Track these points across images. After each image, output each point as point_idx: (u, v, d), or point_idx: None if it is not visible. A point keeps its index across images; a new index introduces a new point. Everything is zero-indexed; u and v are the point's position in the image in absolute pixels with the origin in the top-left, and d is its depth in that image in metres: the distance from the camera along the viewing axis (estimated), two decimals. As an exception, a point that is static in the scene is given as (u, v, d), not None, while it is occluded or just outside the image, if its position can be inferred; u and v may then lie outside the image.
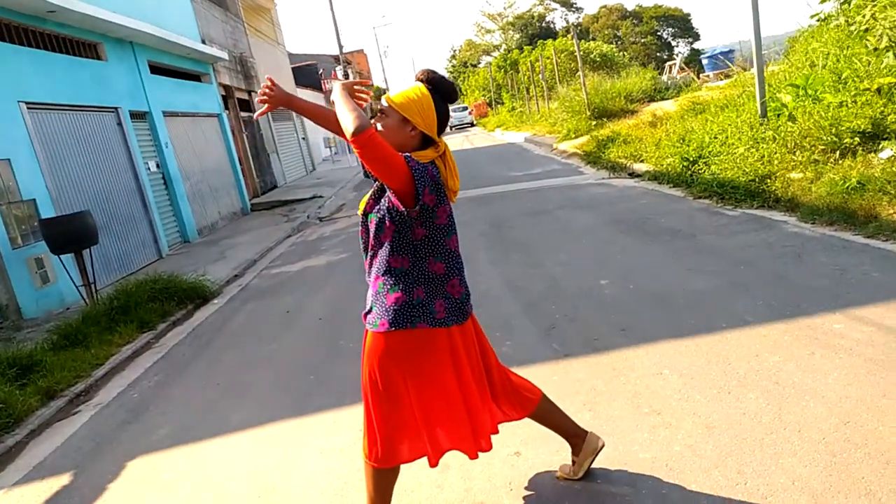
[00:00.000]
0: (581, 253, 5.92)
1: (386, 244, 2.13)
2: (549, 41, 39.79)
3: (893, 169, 5.31)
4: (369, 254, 2.21)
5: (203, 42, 14.26)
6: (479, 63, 63.82)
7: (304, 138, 26.20)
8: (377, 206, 2.14)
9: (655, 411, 2.88)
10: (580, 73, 17.54)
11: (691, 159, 8.15)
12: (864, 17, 9.45)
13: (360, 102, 2.21)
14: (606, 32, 58.00)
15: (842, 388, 2.78)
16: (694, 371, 3.19)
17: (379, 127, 2.11)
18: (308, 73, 31.19)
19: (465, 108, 42.25)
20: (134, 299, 6.50)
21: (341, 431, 3.32)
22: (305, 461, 3.09)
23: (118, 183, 9.71)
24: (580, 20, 61.72)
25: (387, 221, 2.11)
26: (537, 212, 8.32)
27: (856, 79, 7.57)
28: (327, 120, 2.45)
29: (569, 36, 42.84)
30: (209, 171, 13.57)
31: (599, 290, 4.74)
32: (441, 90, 2.14)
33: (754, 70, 8.24)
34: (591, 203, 8.29)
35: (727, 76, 19.65)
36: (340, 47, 34.72)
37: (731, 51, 26.84)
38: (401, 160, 1.99)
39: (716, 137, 8.38)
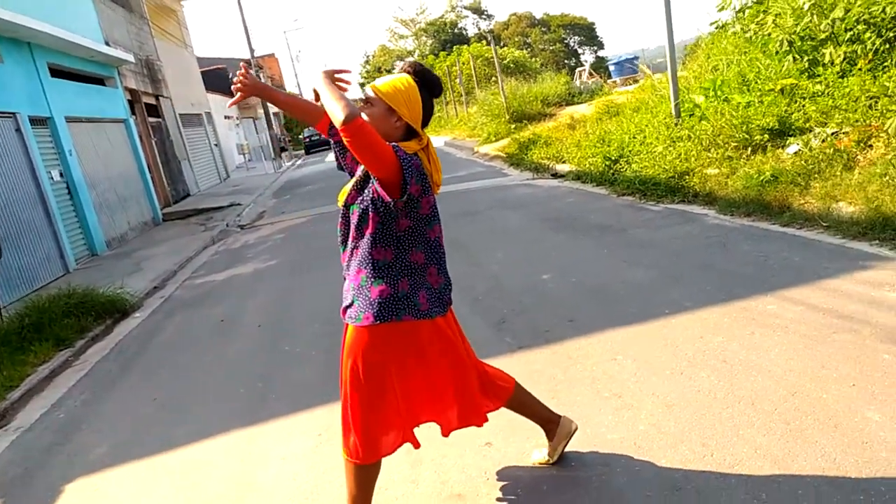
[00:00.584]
0: (517, 251, 6.03)
1: (368, 236, 2.10)
2: (465, 47, 40.34)
3: (801, 162, 5.74)
4: (349, 246, 2.17)
5: (107, 44, 13.49)
6: (394, 69, 63.77)
7: (216, 144, 25.27)
8: (360, 198, 2.10)
9: (616, 395, 2.98)
10: (498, 77, 17.89)
11: (613, 158, 8.49)
12: (763, 24, 10.23)
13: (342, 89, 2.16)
14: (517, 39, 59.48)
15: (784, 362, 2.97)
16: (646, 355, 3.32)
17: (364, 116, 2.07)
18: (218, 76, 30.13)
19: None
20: (47, 315, 6.07)
21: (301, 436, 3.22)
22: (267, 469, 2.98)
23: (18, 193, 9.00)
24: (492, 27, 62.93)
25: (371, 212, 2.07)
26: (468, 213, 8.41)
27: (759, 80, 8.14)
28: (302, 110, 2.40)
29: (483, 42, 43.62)
30: (116, 179, 12.82)
31: (542, 284, 4.85)
32: (427, 83, 2.12)
33: (668, 74, 8.68)
34: (520, 203, 8.46)
35: (635, 81, 20.66)
36: (252, 51, 33.80)
37: (635, 58, 28.23)
38: (390, 149, 1.97)
39: (634, 137, 8.77)
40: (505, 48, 37.88)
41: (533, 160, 11.37)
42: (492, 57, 28.40)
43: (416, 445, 2.28)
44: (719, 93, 8.30)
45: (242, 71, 2.30)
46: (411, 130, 2.12)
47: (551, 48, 59.46)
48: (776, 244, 4.76)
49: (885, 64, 6.45)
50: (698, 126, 7.67)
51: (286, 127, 47.34)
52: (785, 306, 3.58)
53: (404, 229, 2.09)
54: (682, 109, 8.44)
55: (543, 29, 62.76)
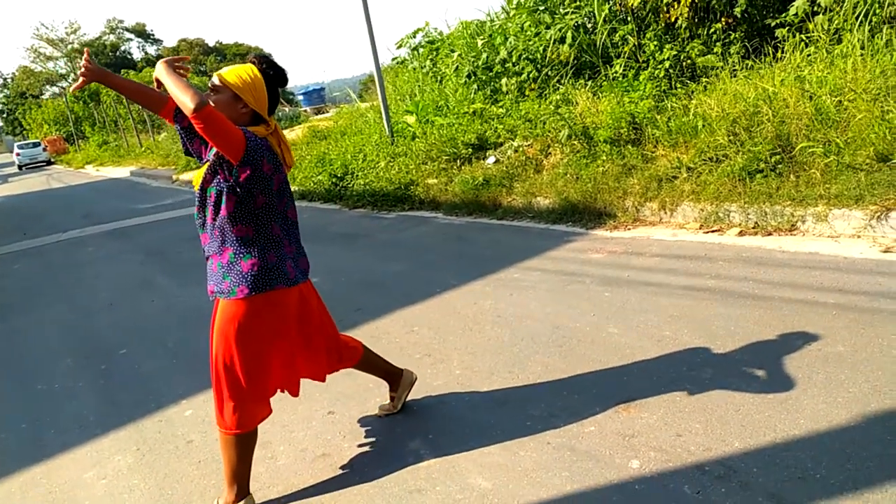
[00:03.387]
0: (273, 262, 6.15)
1: (229, 215, 2.23)
2: (132, 73, 37.29)
3: (503, 169, 7.02)
4: (210, 227, 2.27)
5: None
6: (43, 94, 55.47)
7: None
8: (215, 180, 2.22)
9: (426, 354, 3.47)
10: (192, 103, 17.20)
11: (339, 175, 9.06)
12: (436, 60, 12.04)
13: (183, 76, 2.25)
14: (191, 66, 56.95)
15: (542, 308, 3.81)
16: (436, 324, 3.89)
17: (211, 103, 2.20)
18: None
19: (36, 144, 36.15)
20: None
21: (114, 456, 3.00)
22: (91, 490, 2.74)
23: None
24: (160, 52, 59.10)
25: (226, 192, 2.21)
26: (197, 236, 8.11)
27: (451, 105, 9.56)
28: (146, 97, 2.41)
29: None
30: None
31: (315, 286, 5.10)
32: (273, 74, 2.33)
33: (378, 100, 9.61)
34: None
35: (326, 110, 21.76)
36: None
37: (322, 88, 29.62)
38: (239, 133, 2.14)
39: (355, 157, 9.48)
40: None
41: (249, 183, 11.32)
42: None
43: (295, 394, 2.56)
44: (422, 115, 9.50)
45: (86, 56, 2.24)
46: (258, 117, 2.32)
47: (230, 77, 58.29)
48: (500, 233, 5.82)
49: (546, 91, 8.23)
50: (412, 144, 8.69)
51: None
52: (526, 273, 4.51)
53: (261, 206, 2.29)
54: (394, 130, 9.43)
55: (219, 57, 61.26)
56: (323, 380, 2.71)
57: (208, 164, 2.26)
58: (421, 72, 12.80)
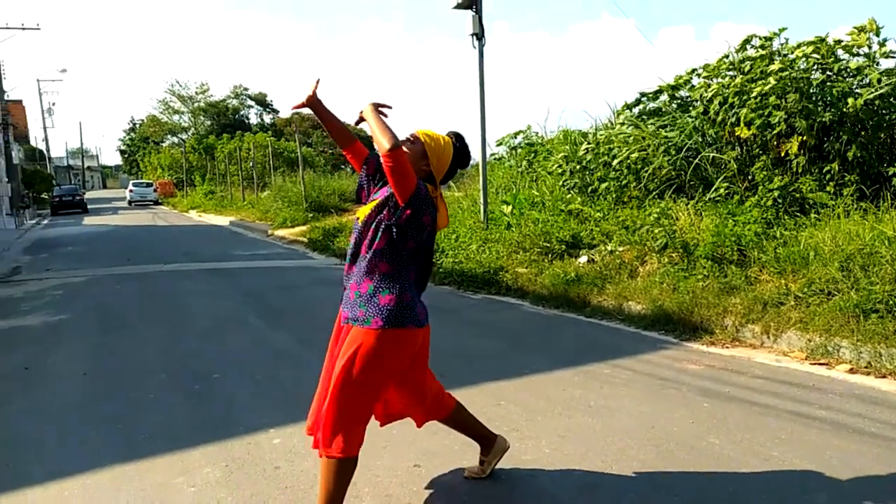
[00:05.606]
0: (361, 320, 6.29)
1: (380, 250, 2.40)
2: (248, 134, 40.28)
3: (596, 269, 7.04)
4: (360, 258, 2.43)
5: None
6: (163, 141, 60.35)
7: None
8: (378, 217, 2.40)
9: (514, 430, 3.42)
10: (300, 166, 18.40)
11: (430, 252, 9.29)
12: (533, 161, 12.52)
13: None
14: (299, 137, 60.78)
15: (636, 407, 3.71)
16: (524, 402, 3.85)
17: (404, 147, 2.42)
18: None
19: (149, 185, 39.04)
20: None
21: (203, 468, 3.08)
22: (180, 495, 2.80)
23: None
24: (274, 120, 63.47)
25: (384, 231, 2.38)
26: (290, 286, 8.45)
27: (548, 202, 9.77)
28: (341, 133, 2.71)
29: (268, 133, 43.84)
30: None
31: (401, 347, 5.18)
32: (461, 154, 2.59)
33: (480, 188, 9.95)
34: (339, 282, 8.74)
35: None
36: (1, 92, 29.86)
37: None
38: (415, 179, 2.35)
39: (447, 237, 9.74)
40: (290, 142, 38.75)
41: (340, 247, 11.78)
42: (276, 147, 29.51)
43: (383, 424, 2.78)
44: (518, 207, 9.73)
45: (315, 85, 2.61)
46: (431, 178, 2.53)
47: (332, 151, 61.73)
48: (589, 329, 5.76)
49: (645, 202, 8.30)
50: (506, 232, 8.88)
51: (26, 182, 41.38)
52: (617, 371, 4.43)
53: (409, 249, 2.45)
54: (489, 218, 9.67)
55: (324, 133, 65.19)
56: (419, 424, 2.81)
57: (377, 201, 2.45)
58: (516, 169, 13.27)
